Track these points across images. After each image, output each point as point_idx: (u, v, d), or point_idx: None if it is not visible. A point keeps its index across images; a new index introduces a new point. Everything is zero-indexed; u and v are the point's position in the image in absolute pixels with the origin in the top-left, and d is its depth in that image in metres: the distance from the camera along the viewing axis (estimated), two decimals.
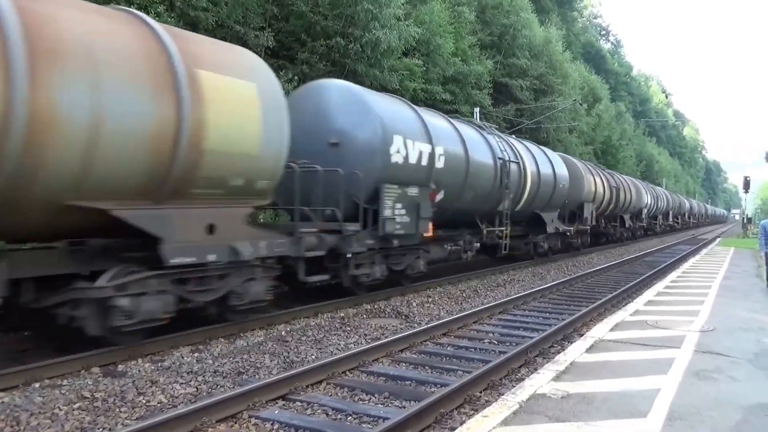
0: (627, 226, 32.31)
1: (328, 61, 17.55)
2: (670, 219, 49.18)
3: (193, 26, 13.74)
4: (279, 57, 12.82)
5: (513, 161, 15.51)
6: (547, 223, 18.47)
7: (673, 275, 14.36)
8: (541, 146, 20.35)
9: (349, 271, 9.93)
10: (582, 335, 7.56)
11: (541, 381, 5.14)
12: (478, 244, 14.60)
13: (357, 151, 10.13)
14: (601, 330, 7.40)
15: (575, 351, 6.25)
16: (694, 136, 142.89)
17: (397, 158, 10.54)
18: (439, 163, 11.83)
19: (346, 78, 15.71)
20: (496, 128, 17.20)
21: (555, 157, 20.20)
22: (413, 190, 10.88)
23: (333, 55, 17.62)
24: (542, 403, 4.57)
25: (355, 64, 17.98)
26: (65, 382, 5.77)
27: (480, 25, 30.30)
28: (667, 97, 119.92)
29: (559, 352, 6.85)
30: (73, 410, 5.02)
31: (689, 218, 63.83)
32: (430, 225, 11.54)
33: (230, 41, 9.94)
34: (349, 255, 9.75)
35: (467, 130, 14.11)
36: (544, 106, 33.43)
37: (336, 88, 10.98)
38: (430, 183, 11.50)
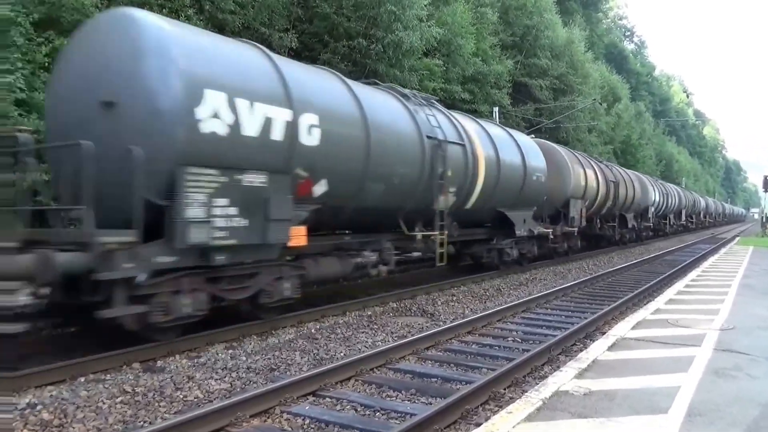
0: (630, 226, 28.06)
1: (350, 61, 17.76)
2: (683, 218, 43.72)
3: (220, 29, 14.09)
4: (301, 58, 13.08)
5: (454, 142, 11.84)
6: (515, 224, 14.92)
7: (692, 274, 14.32)
8: (507, 128, 16.61)
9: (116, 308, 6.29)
10: (604, 333, 7.64)
11: (563, 378, 5.22)
12: (413, 254, 12.04)
13: (138, 114, 6.59)
14: (622, 328, 7.48)
15: (597, 349, 6.34)
16: (714, 136, 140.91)
17: (212, 126, 6.87)
18: (310, 139, 8.21)
19: (366, 77, 15.40)
20: (436, 100, 13.61)
21: (526, 141, 16.47)
22: (255, 179, 7.40)
23: (354, 56, 17.82)
24: (565, 400, 4.65)
25: (376, 64, 18.17)
26: (108, 376, 6.03)
27: (502, 26, 30.28)
28: (688, 96, 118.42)
29: (581, 350, 6.93)
30: (116, 404, 5.25)
31: (705, 217, 59.46)
32: (296, 229, 8.11)
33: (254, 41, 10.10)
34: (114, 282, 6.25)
35: (371, 95, 10.27)
36: (563, 105, 33.30)
37: (114, 20, 7.19)
38: (292, 168, 7.98)
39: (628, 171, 29.90)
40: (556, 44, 34.57)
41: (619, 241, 27.27)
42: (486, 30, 27.22)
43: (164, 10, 13.14)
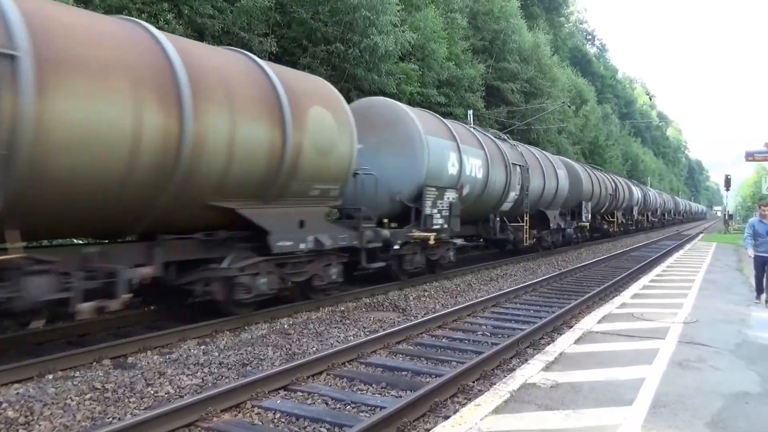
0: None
1: (329, 65, 17.87)
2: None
3: (200, 33, 14.08)
4: (282, 62, 13.12)
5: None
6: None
7: (658, 269, 14.68)
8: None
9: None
10: (571, 327, 7.79)
11: (531, 371, 5.32)
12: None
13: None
14: (589, 322, 7.65)
15: (564, 342, 6.48)
16: (677, 137, 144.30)
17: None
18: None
19: (345, 81, 16.47)
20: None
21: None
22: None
23: (333, 60, 17.96)
24: (532, 392, 4.74)
25: (354, 69, 18.32)
26: (77, 373, 5.96)
27: (472, 31, 30.77)
28: (651, 99, 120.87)
29: (548, 344, 7.07)
30: (85, 401, 5.18)
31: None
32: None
33: (235, 47, 10.18)
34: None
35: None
36: (534, 108, 33.82)
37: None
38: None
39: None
40: (524, 48, 35.17)
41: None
42: (457, 35, 27.59)
43: (143, 15, 13.04)
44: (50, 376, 5.83)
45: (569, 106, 40.32)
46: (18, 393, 5.35)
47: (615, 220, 32.75)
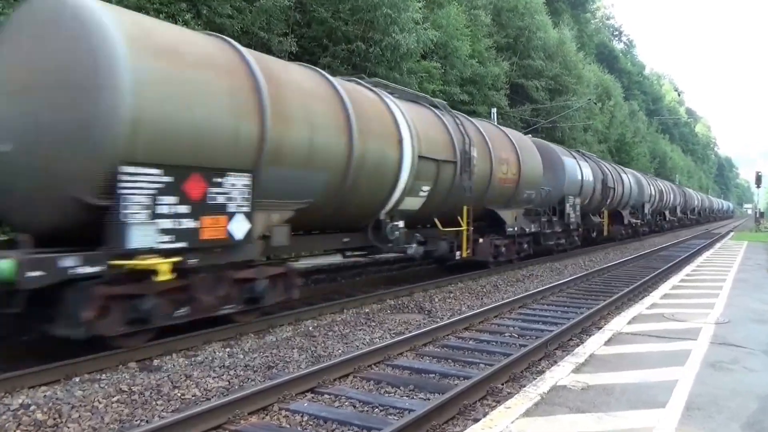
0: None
1: (350, 64, 17.87)
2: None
3: (219, 32, 14.13)
4: (302, 61, 13.15)
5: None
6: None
7: (687, 269, 14.38)
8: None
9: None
10: (600, 328, 7.64)
11: (561, 373, 5.22)
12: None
13: None
14: (619, 323, 7.50)
15: (594, 344, 6.35)
16: (706, 133, 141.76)
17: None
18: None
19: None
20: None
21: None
22: None
23: (354, 59, 17.95)
24: (563, 395, 4.65)
25: (376, 68, 18.29)
26: (104, 376, 5.99)
27: (496, 28, 30.61)
28: (679, 95, 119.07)
29: (578, 345, 6.94)
30: (112, 403, 5.20)
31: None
32: None
33: (255, 47, 10.22)
34: None
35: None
36: (559, 105, 33.49)
37: None
38: None
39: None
40: (549, 45, 34.89)
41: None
42: (480, 32, 27.46)
43: (161, 15, 13.17)
44: (77, 379, 5.86)
45: (595, 103, 39.82)
46: (46, 395, 5.39)
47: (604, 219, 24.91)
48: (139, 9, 12.69)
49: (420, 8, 19.82)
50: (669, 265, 17.16)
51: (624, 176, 27.63)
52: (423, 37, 19.58)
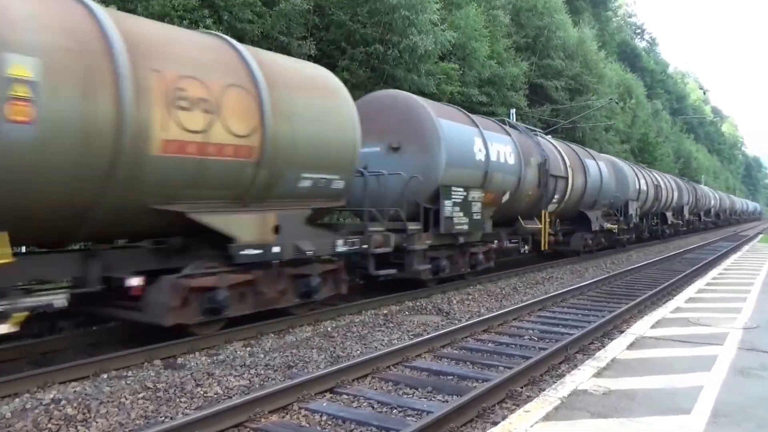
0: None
1: (368, 67, 17.91)
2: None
3: (240, 38, 14.25)
4: (320, 64, 13.23)
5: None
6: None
7: (713, 272, 14.16)
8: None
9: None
10: (622, 332, 7.57)
11: (581, 377, 5.17)
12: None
13: None
14: (641, 327, 7.41)
15: (616, 348, 6.29)
16: (733, 132, 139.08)
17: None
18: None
19: (384, 83, 16.37)
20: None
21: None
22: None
23: (372, 62, 17.98)
24: (583, 399, 4.60)
25: (394, 70, 18.32)
26: (130, 373, 6.12)
27: (515, 28, 30.38)
28: (704, 93, 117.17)
29: (599, 349, 6.89)
30: (138, 399, 5.32)
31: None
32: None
33: (274, 51, 10.32)
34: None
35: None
36: (579, 105, 33.18)
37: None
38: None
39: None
40: (569, 44, 34.55)
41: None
42: (499, 32, 27.30)
43: (184, 22, 13.32)
44: (105, 375, 6.00)
45: (617, 103, 39.34)
46: (75, 391, 5.54)
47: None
48: (163, 16, 12.87)
49: (438, 10, 19.76)
50: (694, 267, 16.92)
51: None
52: (441, 38, 19.53)
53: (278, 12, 15.50)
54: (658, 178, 30.62)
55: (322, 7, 17.56)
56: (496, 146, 13.34)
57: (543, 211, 16.21)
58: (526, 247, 15.59)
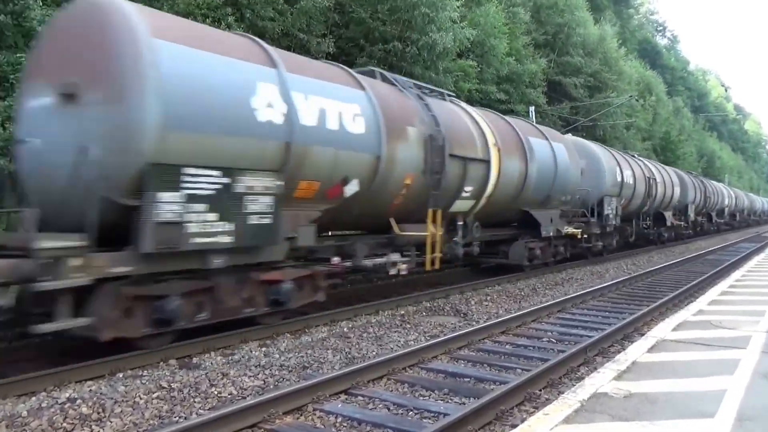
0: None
1: (386, 64, 17.87)
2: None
3: (261, 36, 14.30)
4: (338, 62, 13.28)
5: None
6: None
7: (736, 274, 13.89)
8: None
9: None
10: (643, 335, 7.44)
11: (602, 380, 5.09)
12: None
13: None
14: (663, 329, 7.27)
15: (636, 350, 6.17)
16: (757, 130, 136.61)
17: None
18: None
19: None
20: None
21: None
22: None
23: (390, 59, 17.96)
24: (604, 402, 4.53)
25: (412, 67, 18.29)
26: (145, 372, 6.12)
27: (534, 25, 30.23)
28: (726, 90, 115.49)
29: (619, 352, 6.79)
30: (153, 399, 5.32)
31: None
32: None
33: (294, 49, 10.31)
34: None
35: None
36: (599, 103, 32.86)
37: None
38: None
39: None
40: (589, 41, 34.29)
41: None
42: (518, 30, 27.18)
43: (207, 20, 13.42)
44: (120, 375, 6.01)
45: (637, 100, 38.89)
46: (91, 390, 5.54)
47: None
48: (187, 14, 12.97)
49: (458, 7, 19.72)
50: (717, 269, 16.63)
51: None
52: (460, 35, 19.48)
53: (299, 9, 15.60)
54: (653, 170, 24.74)
55: (342, 4, 17.60)
56: (315, 101, 7.96)
57: (431, 210, 10.47)
58: (401, 266, 10.05)
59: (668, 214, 26.12)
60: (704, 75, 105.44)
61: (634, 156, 24.14)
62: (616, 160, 19.86)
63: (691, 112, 71.40)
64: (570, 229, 15.69)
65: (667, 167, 28.77)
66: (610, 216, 18.38)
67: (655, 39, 76.19)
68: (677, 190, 27.63)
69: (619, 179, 19.56)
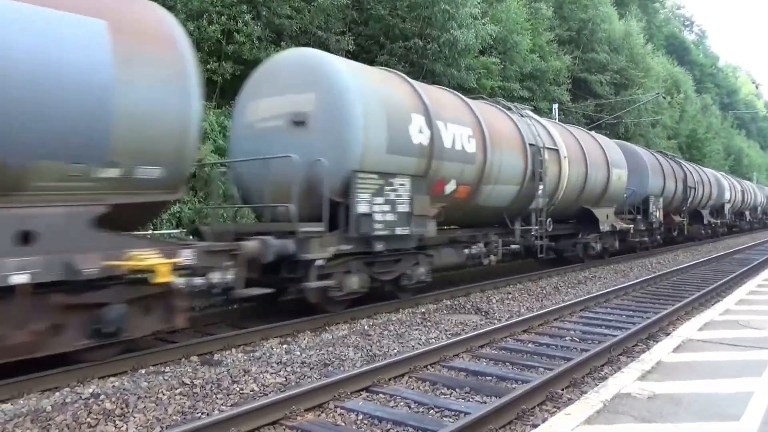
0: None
1: (407, 62, 17.85)
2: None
3: (278, 34, 14.42)
4: (359, 60, 13.25)
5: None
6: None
7: (766, 273, 13.62)
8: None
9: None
10: (668, 334, 7.32)
11: (625, 380, 5.02)
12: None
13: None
14: (688, 329, 7.15)
15: (661, 350, 6.08)
16: None
17: None
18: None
19: (423, 78, 16.04)
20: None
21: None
22: None
23: (411, 56, 17.92)
24: (627, 403, 4.46)
25: (433, 65, 18.23)
26: (168, 369, 6.20)
27: (558, 21, 29.91)
28: (756, 87, 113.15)
29: (643, 351, 6.65)
30: (175, 395, 5.38)
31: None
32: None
33: (313, 46, 10.35)
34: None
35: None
36: (624, 100, 32.43)
37: None
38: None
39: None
40: (614, 37, 33.85)
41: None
42: (541, 26, 26.96)
43: (223, 17, 13.51)
44: (143, 371, 6.10)
45: (664, 97, 38.29)
46: (114, 386, 5.63)
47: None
48: (201, 12, 13.07)
49: (479, 3, 19.60)
50: (745, 268, 16.29)
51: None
52: (482, 32, 19.36)
53: (317, 7, 15.60)
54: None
55: (360, 1, 17.58)
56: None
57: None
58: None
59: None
60: (734, 71, 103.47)
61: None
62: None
63: (719, 109, 70.12)
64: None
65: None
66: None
67: (683, 34, 74.96)
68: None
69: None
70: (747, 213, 38.31)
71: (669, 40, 63.32)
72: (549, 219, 13.71)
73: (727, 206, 31.78)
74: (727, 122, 70.09)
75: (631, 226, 18.19)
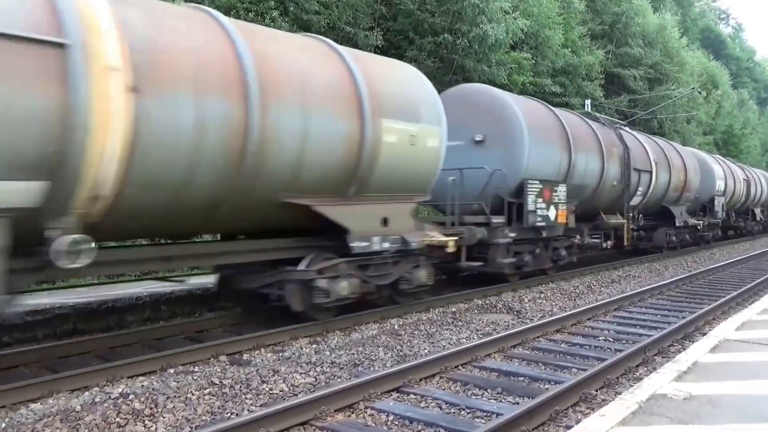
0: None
1: (437, 57, 17.74)
2: None
3: (306, 29, 14.42)
4: (387, 55, 13.19)
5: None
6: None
7: None
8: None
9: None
10: (705, 334, 7.18)
11: (661, 381, 4.91)
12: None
13: None
14: (725, 329, 6.97)
15: (698, 350, 5.93)
16: None
17: None
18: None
19: (453, 74, 15.89)
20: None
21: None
22: None
23: (441, 52, 17.80)
24: (663, 404, 4.36)
25: (463, 60, 18.07)
26: (197, 368, 6.22)
27: (590, 15, 29.42)
28: None
29: (679, 352, 6.54)
30: (204, 395, 5.37)
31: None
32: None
33: (341, 42, 10.29)
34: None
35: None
36: (659, 95, 31.76)
37: None
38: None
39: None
40: (648, 31, 33.13)
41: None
42: (574, 20, 26.55)
43: (250, 14, 13.56)
44: (172, 371, 6.12)
45: (699, 92, 37.42)
46: (143, 386, 5.66)
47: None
48: (229, 9, 13.14)
49: None
50: None
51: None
52: (512, 27, 19.14)
53: (345, 2, 15.58)
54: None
55: None
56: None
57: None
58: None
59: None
60: None
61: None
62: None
63: (757, 104, 68.28)
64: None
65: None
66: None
67: (718, 27, 73.10)
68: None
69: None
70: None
71: (704, 34, 61.81)
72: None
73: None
74: (765, 117, 68.26)
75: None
